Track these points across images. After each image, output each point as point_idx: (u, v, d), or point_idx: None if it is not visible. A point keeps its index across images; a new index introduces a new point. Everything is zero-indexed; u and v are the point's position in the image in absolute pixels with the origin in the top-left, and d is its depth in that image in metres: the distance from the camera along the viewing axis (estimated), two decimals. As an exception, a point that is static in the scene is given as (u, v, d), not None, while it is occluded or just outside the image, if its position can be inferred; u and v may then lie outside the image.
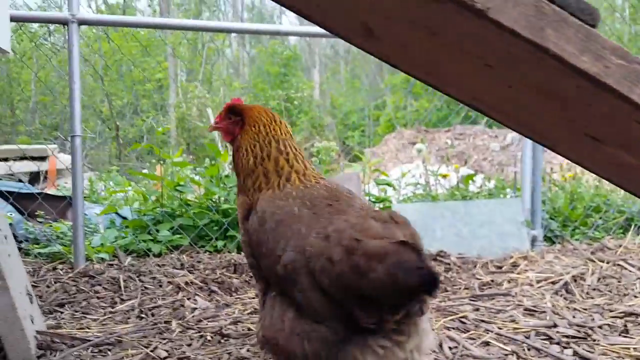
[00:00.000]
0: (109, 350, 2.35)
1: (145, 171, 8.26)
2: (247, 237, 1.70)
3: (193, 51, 22.04)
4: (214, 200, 4.37)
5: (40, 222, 4.44)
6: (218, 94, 18.15)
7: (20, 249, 4.05)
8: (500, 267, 3.98)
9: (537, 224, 4.54)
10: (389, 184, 4.55)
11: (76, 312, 3.00)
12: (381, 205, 4.51)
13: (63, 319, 2.88)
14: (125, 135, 18.26)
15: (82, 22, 3.51)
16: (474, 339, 2.47)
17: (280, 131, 1.85)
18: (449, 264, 3.98)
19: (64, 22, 3.49)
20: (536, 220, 4.53)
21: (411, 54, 0.77)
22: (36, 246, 4.10)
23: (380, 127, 18.66)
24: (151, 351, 2.29)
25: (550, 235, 4.71)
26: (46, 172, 8.63)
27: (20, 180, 8.08)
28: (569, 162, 4.60)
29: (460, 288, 3.53)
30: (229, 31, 4.10)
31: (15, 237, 3.96)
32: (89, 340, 2.39)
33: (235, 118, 1.93)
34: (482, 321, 2.71)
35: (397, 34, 0.74)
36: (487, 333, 2.52)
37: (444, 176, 5.12)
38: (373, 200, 4.55)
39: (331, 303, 1.39)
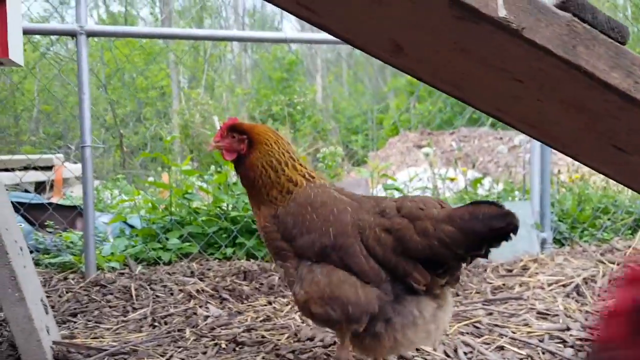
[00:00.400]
0: (125, 359, 2.36)
1: (151, 179, 8.27)
2: (275, 225, 1.98)
3: (195, 58, 22.12)
4: (222, 207, 4.37)
5: (50, 232, 4.45)
6: (221, 101, 18.19)
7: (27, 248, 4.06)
8: (511, 271, 3.98)
9: (546, 227, 4.53)
10: (397, 189, 4.54)
11: (89, 321, 3.01)
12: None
13: (77, 328, 2.89)
14: (128, 143, 18.32)
15: (90, 34, 3.53)
16: (488, 343, 2.47)
17: (287, 145, 2.09)
18: (458, 267, 3.98)
19: (72, 34, 3.52)
20: (545, 223, 4.52)
21: (439, 69, 0.78)
22: (47, 256, 4.12)
23: (384, 130, 18.69)
24: (167, 360, 2.30)
25: (559, 238, 4.70)
26: (52, 181, 8.65)
27: (26, 190, 8.11)
28: (576, 163, 4.57)
29: (471, 292, 3.53)
30: (236, 40, 4.12)
31: (25, 247, 3.98)
32: (105, 350, 2.39)
33: (240, 136, 2.07)
34: (496, 325, 2.71)
35: (427, 50, 0.75)
36: (502, 337, 2.52)
37: (452, 179, 5.12)
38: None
39: (384, 268, 1.77)
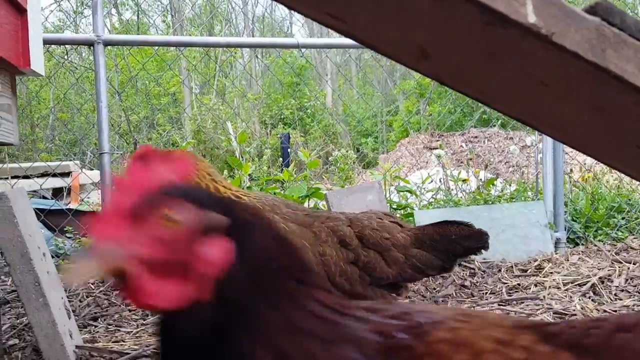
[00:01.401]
0: (146, 363, 2.41)
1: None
2: None
3: (206, 64, 22.26)
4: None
5: (70, 238, 4.53)
6: (233, 106, 18.28)
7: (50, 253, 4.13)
8: (525, 271, 3.98)
9: (560, 226, 4.52)
10: (410, 191, 4.57)
11: (110, 325, 3.07)
12: (403, 212, 4.53)
13: (97, 332, 2.95)
14: (142, 149, 18.42)
15: (107, 43, 3.61)
16: (504, 343, 2.48)
17: (208, 169, 1.94)
18: (473, 269, 3.99)
19: (90, 44, 3.59)
20: (559, 222, 4.52)
21: (464, 74, 0.81)
22: (67, 262, 4.19)
23: (394, 132, 18.64)
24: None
25: (573, 237, 4.69)
26: (70, 187, 8.77)
27: (44, 197, 8.23)
28: (588, 162, 4.57)
29: (486, 292, 3.54)
30: (249, 46, 4.18)
31: (45, 253, 4.06)
32: (127, 354, 2.44)
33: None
34: (511, 325, 2.72)
35: (453, 56, 0.78)
36: (517, 337, 2.53)
37: (464, 181, 5.13)
38: (394, 207, 4.57)
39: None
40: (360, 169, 11.05)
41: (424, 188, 4.94)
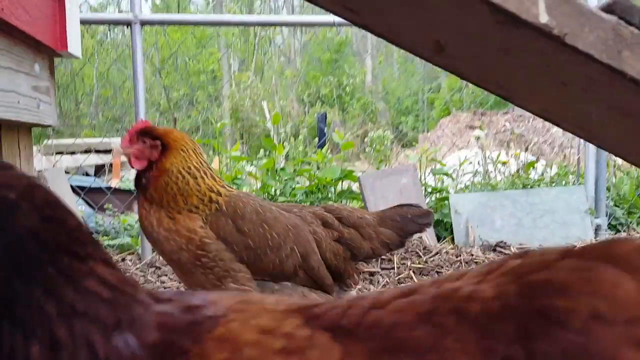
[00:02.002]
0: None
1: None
2: (223, 243, 1.83)
3: (245, 41, 22.32)
4: (270, 193, 4.45)
5: (110, 215, 4.67)
6: (270, 84, 18.34)
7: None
8: (563, 258, 3.88)
9: (601, 212, 4.38)
10: (446, 174, 4.49)
11: (145, 302, 3.16)
12: (438, 196, 4.46)
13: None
14: (182, 126, 18.76)
15: (144, 23, 3.64)
16: (536, 333, 2.43)
17: (202, 154, 1.97)
18: (509, 254, 3.92)
19: (127, 23, 3.64)
20: (600, 208, 4.37)
21: (482, 69, 0.78)
22: (106, 238, 4.32)
23: (435, 111, 18.30)
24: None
25: (615, 224, 4.53)
26: (111, 164, 9.02)
27: (86, 173, 8.50)
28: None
29: (520, 279, 3.48)
30: (285, 25, 4.15)
31: (86, 229, 4.18)
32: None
33: (152, 142, 1.89)
34: (545, 315, 2.66)
35: (469, 51, 0.75)
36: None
37: (504, 163, 5.00)
38: (430, 190, 4.51)
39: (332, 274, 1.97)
40: (399, 148, 10.93)
41: (462, 170, 4.84)
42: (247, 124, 17.58)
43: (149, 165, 1.88)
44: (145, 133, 1.89)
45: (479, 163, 5.03)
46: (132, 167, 1.90)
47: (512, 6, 0.62)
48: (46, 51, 2.31)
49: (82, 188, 4.49)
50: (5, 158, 2.09)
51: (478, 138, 5.01)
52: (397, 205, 2.16)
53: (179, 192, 1.83)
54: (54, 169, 2.50)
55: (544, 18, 0.63)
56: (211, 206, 1.84)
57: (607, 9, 0.67)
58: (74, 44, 2.40)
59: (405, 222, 2.07)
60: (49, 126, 2.41)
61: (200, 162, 1.90)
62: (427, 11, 0.64)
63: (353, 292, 2.10)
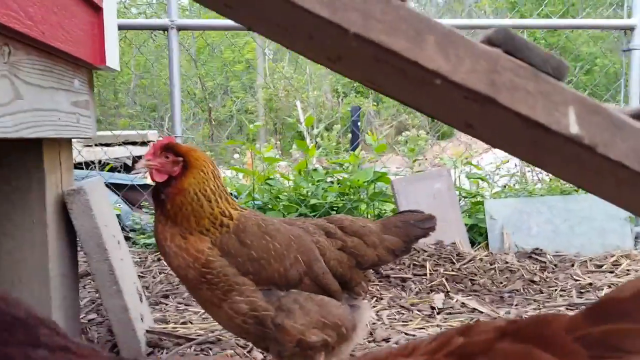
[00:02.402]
0: (210, 349, 2.52)
1: (236, 156, 8.59)
2: (226, 259, 1.86)
3: (280, 30, 22.30)
4: (302, 194, 4.46)
5: (147, 213, 4.77)
6: (304, 74, 18.31)
7: (128, 238, 4.39)
8: (600, 266, 3.78)
9: (642, 220, 4.25)
10: (482, 178, 4.42)
11: (179, 304, 3.22)
12: (473, 200, 4.40)
13: (168, 311, 3.11)
14: (216, 116, 18.97)
15: (180, 28, 3.69)
16: (571, 354, 2.38)
17: (219, 177, 2.00)
18: (544, 262, 3.84)
19: (164, 29, 3.68)
20: (641, 216, 4.24)
21: (514, 147, 0.76)
22: (142, 236, 4.42)
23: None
24: (248, 352, 2.43)
25: (658, 233, 4.38)
26: (148, 157, 9.20)
27: (124, 164, 8.70)
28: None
29: (556, 289, 3.40)
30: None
31: (123, 228, 4.30)
32: (193, 339, 2.57)
33: (174, 158, 1.91)
34: (581, 334, 2.60)
35: (500, 136, 0.74)
36: (586, 349, 2.42)
37: (540, 166, 4.88)
38: (464, 195, 4.45)
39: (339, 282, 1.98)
40: (435, 140, 10.78)
41: (497, 173, 4.75)
42: (281, 114, 17.64)
43: (168, 181, 1.92)
44: (169, 149, 1.93)
45: (515, 165, 4.93)
46: (152, 179, 1.93)
47: (542, 118, 0.60)
48: (85, 66, 2.36)
49: (119, 186, 4.61)
50: (46, 172, 2.16)
51: (515, 140, 4.88)
52: (399, 212, 2.24)
53: (192, 213, 1.87)
54: (94, 180, 2.56)
55: (574, 129, 0.61)
56: (221, 230, 1.88)
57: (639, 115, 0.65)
58: (112, 58, 2.45)
59: (408, 228, 2.11)
60: (89, 139, 2.47)
61: (217, 185, 1.93)
62: (452, 103, 0.63)
63: (363, 300, 2.08)
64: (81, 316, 2.78)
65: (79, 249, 2.54)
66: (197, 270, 1.84)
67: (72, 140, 2.50)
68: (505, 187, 4.73)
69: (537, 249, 3.99)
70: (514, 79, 0.56)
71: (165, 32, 3.71)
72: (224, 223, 1.89)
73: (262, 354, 2.43)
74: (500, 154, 5.12)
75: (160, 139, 7.94)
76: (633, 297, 0.66)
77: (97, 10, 2.38)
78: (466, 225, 4.09)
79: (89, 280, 3.53)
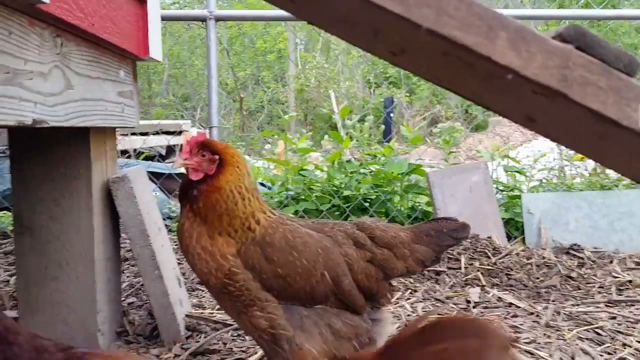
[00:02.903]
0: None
1: (267, 147, 8.66)
2: (250, 273, 1.80)
3: (312, 20, 22.25)
4: (335, 185, 4.48)
5: (181, 201, 4.84)
6: (336, 63, 18.27)
7: (164, 226, 4.47)
8: (640, 264, 3.70)
9: (687, 216, 4.12)
10: (519, 172, 4.35)
11: (215, 291, 3.28)
12: (509, 194, 4.34)
13: (204, 297, 3.17)
14: (248, 106, 19.11)
15: (219, 19, 3.72)
16: (610, 353, 2.34)
17: (251, 174, 1.95)
18: (582, 258, 3.77)
19: (202, 19, 3.72)
20: (687, 212, 4.11)
21: (577, 142, 0.75)
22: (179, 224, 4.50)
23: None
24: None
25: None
26: (181, 145, 9.35)
27: (158, 154, 8.86)
28: None
29: (594, 286, 3.34)
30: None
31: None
32: (230, 325, 2.61)
33: (210, 156, 1.87)
34: (619, 332, 2.56)
35: (564, 130, 0.73)
36: (625, 348, 2.38)
37: (581, 159, 4.77)
38: (501, 188, 4.39)
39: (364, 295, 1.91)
40: (468, 132, 10.64)
41: (534, 167, 4.67)
42: (312, 104, 17.66)
43: (203, 178, 1.86)
44: (205, 146, 1.89)
45: (554, 159, 4.83)
46: (190, 178, 1.88)
47: (613, 113, 0.59)
48: (130, 57, 2.41)
49: (157, 174, 4.70)
50: (93, 159, 2.22)
51: (553, 133, 4.77)
52: (432, 220, 2.14)
53: (226, 212, 1.81)
54: (136, 169, 2.62)
55: (644, 124, 0.60)
56: (247, 234, 1.83)
57: None
58: (155, 49, 2.50)
59: (440, 237, 2.03)
60: (132, 127, 2.53)
61: (251, 183, 1.91)
62: (519, 97, 0.63)
63: (385, 311, 2.02)
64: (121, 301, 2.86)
65: (121, 234, 2.61)
66: (219, 280, 1.79)
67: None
68: (542, 181, 4.64)
69: (575, 244, 3.92)
70: (586, 75, 0.56)
71: (203, 22, 3.76)
72: (252, 227, 1.84)
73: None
74: (537, 147, 5.03)
75: (194, 129, 8.05)
76: (411, 337, 0.89)
77: (142, 2, 2.43)
78: (503, 219, 4.04)
79: (127, 265, 3.63)
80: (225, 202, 1.81)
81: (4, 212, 4.94)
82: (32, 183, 2.19)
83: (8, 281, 3.38)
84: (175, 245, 4.18)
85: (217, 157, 1.87)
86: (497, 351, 0.86)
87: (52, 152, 2.18)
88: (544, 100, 0.60)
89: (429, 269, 3.46)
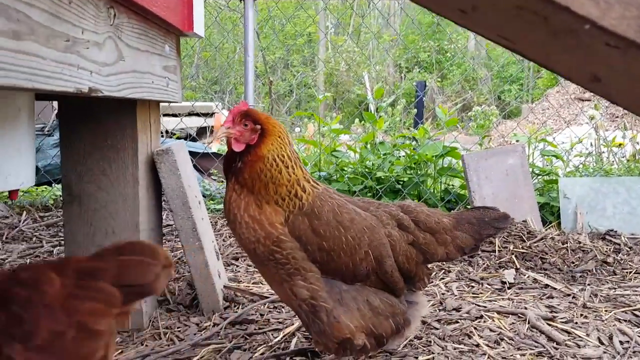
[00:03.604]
0: (282, 307, 2.62)
1: (297, 129, 8.68)
2: (297, 242, 1.82)
3: (343, 2, 22.11)
4: (368, 167, 4.48)
5: (215, 180, 4.94)
6: (367, 48, 18.14)
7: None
8: (680, 251, 3.62)
9: None
10: (556, 156, 4.29)
11: (249, 265, 3.35)
12: (545, 178, 4.28)
13: (239, 272, 3.24)
14: (276, 89, 19.15)
15: (257, -4, 3.73)
16: (649, 335, 2.32)
17: (292, 144, 1.95)
18: (619, 244, 3.71)
19: (240, -2, 3.75)
20: None
21: (635, 97, 0.75)
22: (212, 202, 4.59)
23: (542, 80, 17.23)
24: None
25: None
26: (212, 127, 9.46)
27: (189, 135, 8.98)
28: None
29: (630, 271, 3.29)
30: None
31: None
32: (266, 297, 2.67)
33: (253, 126, 1.88)
34: (659, 315, 2.53)
35: (627, 88, 0.73)
36: (666, 331, 2.35)
37: (619, 145, 4.68)
38: (537, 172, 4.33)
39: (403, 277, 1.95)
40: (500, 119, 10.46)
41: (573, 152, 4.59)
42: (341, 88, 17.60)
43: (246, 148, 1.88)
44: (248, 116, 1.90)
45: (591, 144, 4.74)
46: (231, 149, 1.91)
47: None
48: (175, 32, 2.45)
49: (192, 154, 4.78)
50: (138, 131, 2.28)
51: (592, 118, 4.68)
52: (474, 208, 2.19)
53: (271, 180, 1.83)
54: (178, 142, 2.69)
55: None
56: (295, 202, 1.84)
57: None
58: (199, 25, 2.53)
59: (482, 226, 2.06)
60: (175, 102, 2.58)
61: (293, 152, 1.91)
62: (587, 52, 0.63)
63: (420, 295, 2.05)
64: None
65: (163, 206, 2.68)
66: (267, 248, 1.82)
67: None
68: (579, 166, 4.56)
69: (611, 230, 3.86)
70: (664, 27, 0.56)
71: (242, 1, 3.79)
72: (298, 194, 1.85)
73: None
74: (572, 134, 4.94)
75: (225, 111, 8.07)
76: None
77: (187, -23, 2.46)
78: (538, 203, 4.00)
79: (163, 240, 3.72)
80: (270, 171, 1.84)
81: (45, 186, 5.11)
82: (80, 153, 2.26)
83: (51, 252, 3.51)
84: (212, 221, 4.27)
85: (258, 126, 1.88)
86: (161, 268, 1.12)
87: (100, 123, 2.25)
88: (615, 54, 0.61)
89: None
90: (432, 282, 2.97)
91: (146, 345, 2.22)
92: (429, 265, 2.06)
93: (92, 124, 2.25)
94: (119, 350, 2.19)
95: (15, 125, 1.86)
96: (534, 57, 0.76)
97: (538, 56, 0.75)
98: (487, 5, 0.65)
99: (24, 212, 4.44)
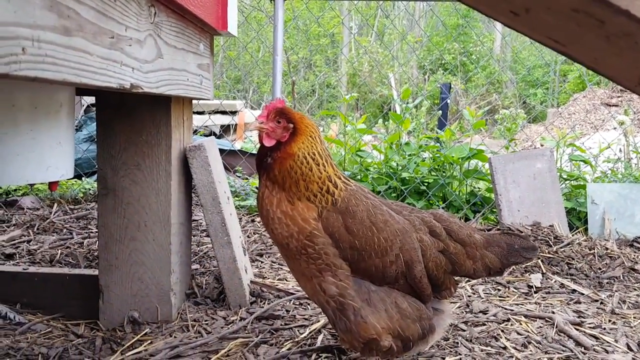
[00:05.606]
0: (308, 304, 2.64)
1: (320, 129, 8.72)
2: (330, 238, 1.83)
3: (367, 3, 22.07)
4: (393, 167, 4.48)
5: (240, 177, 4.98)
6: (391, 49, 18.06)
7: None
8: None
9: None
10: (585, 161, 4.23)
11: (274, 262, 3.38)
12: (573, 183, 4.23)
13: (264, 268, 3.28)
14: (299, 89, 19.21)
15: (287, -4, 3.77)
16: (680, 344, 2.29)
17: (324, 142, 1.94)
18: (647, 252, 3.66)
19: (271, -4, 3.79)
20: None
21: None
22: (237, 199, 4.64)
23: (569, 84, 16.95)
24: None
25: None
26: (236, 125, 9.55)
27: (213, 132, 9.07)
28: None
29: (659, 278, 3.24)
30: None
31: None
32: (292, 294, 2.70)
33: (285, 124, 1.89)
34: (691, 325, 2.48)
35: None
36: (697, 340, 2.31)
37: (649, 151, 4.59)
38: (565, 177, 4.28)
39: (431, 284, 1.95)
40: (525, 122, 10.37)
41: (602, 158, 4.52)
42: (364, 89, 17.57)
43: (276, 145, 1.89)
44: (282, 113, 1.91)
45: (620, 150, 4.67)
46: (261, 143, 1.92)
47: None
48: (209, 31, 2.50)
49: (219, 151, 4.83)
50: (172, 128, 2.33)
51: (622, 123, 4.61)
52: (506, 232, 2.16)
53: (302, 177, 1.84)
54: (209, 139, 2.73)
55: None
56: (327, 197, 1.85)
57: None
58: (233, 24, 2.57)
59: (510, 252, 2.06)
60: (207, 99, 2.62)
61: (324, 150, 1.92)
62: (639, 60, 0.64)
63: (446, 303, 2.05)
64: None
65: (193, 201, 2.72)
66: (300, 242, 1.83)
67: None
68: (607, 173, 4.50)
69: (639, 237, 3.81)
70: None
71: (272, 1, 3.82)
72: (330, 190, 1.85)
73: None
74: (600, 140, 4.87)
75: (248, 110, 8.14)
76: None
77: (222, -24, 2.50)
78: (565, 208, 3.96)
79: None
80: (300, 168, 1.85)
81: (75, 179, 5.22)
82: (116, 147, 2.32)
83: (82, 243, 3.59)
84: (239, 217, 4.32)
85: (291, 125, 1.89)
86: None
87: (135, 119, 2.30)
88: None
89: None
90: (458, 284, 2.97)
91: (175, 337, 2.26)
92: (456, 278, 2.05)
93: (128, 120, 2.31)
94: (149, 341, 2.23)
95: (57, 118, 1.91)
96: (583, 59, 0.77)
97: (586, 59, 0.76)
98: (541, 7, 0.66)
99: (55, 205, 4.55)
